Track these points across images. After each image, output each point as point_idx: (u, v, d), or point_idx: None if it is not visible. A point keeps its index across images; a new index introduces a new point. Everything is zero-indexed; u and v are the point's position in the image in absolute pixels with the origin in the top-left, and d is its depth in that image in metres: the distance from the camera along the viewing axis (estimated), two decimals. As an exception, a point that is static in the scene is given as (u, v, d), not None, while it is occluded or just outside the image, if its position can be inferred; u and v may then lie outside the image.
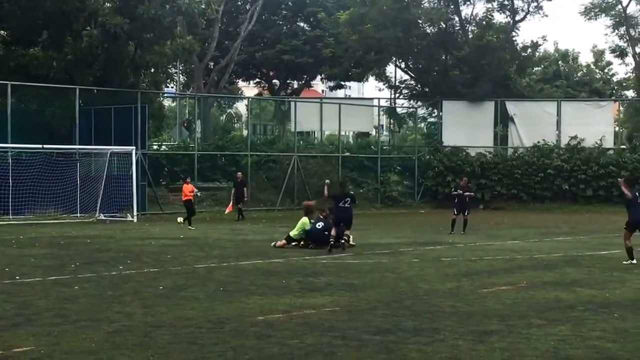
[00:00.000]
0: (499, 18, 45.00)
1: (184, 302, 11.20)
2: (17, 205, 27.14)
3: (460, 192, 24.36)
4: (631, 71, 52.04)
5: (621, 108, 48.20)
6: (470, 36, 43.53)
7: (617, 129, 44.78)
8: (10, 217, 26.84)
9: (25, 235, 21.78)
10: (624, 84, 60.58)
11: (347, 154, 40.89)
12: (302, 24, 53.02)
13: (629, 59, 49.15)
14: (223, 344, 8.58)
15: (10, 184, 27.01)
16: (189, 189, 26.04)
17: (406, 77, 47.26)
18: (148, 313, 10.36)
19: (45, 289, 12.39)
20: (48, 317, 10.01)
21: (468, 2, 43.94)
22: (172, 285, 12.89)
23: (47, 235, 22.10)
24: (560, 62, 62.99)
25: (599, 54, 62.39)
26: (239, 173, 31.24)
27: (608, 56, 56.83)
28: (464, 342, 8.79)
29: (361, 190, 39.53)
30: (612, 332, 9.43)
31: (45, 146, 27.53)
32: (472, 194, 26.05)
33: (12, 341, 8.64)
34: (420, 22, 42.54)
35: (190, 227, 24.92)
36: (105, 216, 28.24)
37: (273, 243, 19.42)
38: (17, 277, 13.59)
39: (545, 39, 66.72)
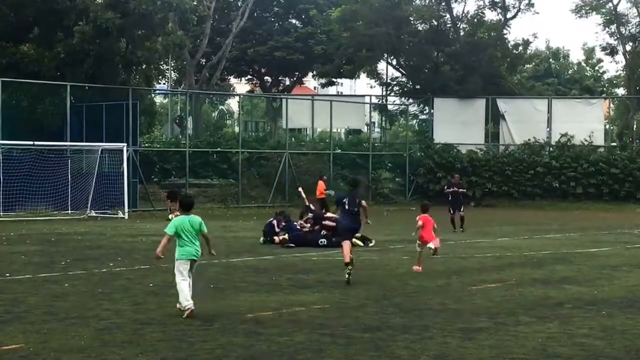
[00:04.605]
0: (490, 15, 45.32)
1: (174, 300, 11.16)
2: (7, 202, 27.06)
3: (455, 189, 24.42)
4: (621, 69, 52.25)
5: (611, 106, 48.35)
6: (461, 33, 43.63)
7: (607, 126, 44.99)
8: (1, 213, 26.75)
9: (15, 232, 21.71)
10: (615, 82, 60.88)
11: (339, 151, 40.90)
12: (293, 21, 53.03)
13: (620, 57, 49.39)
14: (212, 342, 8.60)
15: (1, 180, 26.92)
16: (323, 187, 25.62)
17: (397, 74, 47.36)
18: (137, 310, 10.37)
19: (35, 286, 12.38)
20: (38, 315, 10.00)
21: (459, 0, 44.08)
22: (162, 282, 12.88)
23: (37, 232, 22.04)
24: (551, 59, 63.26)
25: (589, 52, 62.62)
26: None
27: (599, 54, 57.09)
28: (453, 340, 8.84)
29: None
30: (600, 330, 9.49)
31: (36, 143, 27.45)
32: (465, 191, 26.15)
33: (1, 339, 8.63)
34: (412, 19, 42.65)
35: None
36: (96, 213, 28.18)
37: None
38: (7, 274, 13.56)
39: (536, 37, 66.97)
